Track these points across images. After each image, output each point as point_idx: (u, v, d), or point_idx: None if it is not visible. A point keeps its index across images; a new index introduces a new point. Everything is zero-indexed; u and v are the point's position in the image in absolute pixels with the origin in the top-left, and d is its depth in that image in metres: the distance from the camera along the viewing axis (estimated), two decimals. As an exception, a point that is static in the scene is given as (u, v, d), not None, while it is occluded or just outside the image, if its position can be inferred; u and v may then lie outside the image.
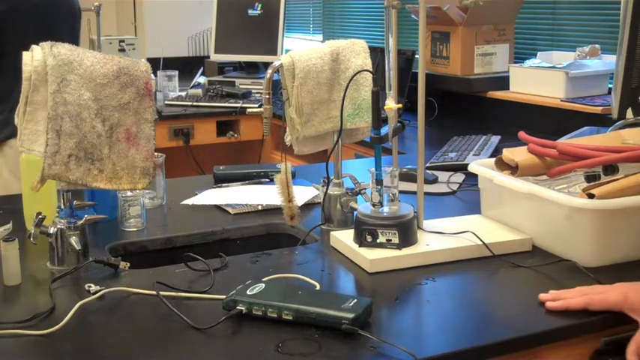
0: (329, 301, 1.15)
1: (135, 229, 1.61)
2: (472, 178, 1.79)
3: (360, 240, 1.41)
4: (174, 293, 1.25)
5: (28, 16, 2.66)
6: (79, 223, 1.38)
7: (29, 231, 1.36)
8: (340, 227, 1.57)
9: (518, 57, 3.09)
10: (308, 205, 1.76)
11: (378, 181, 1.41)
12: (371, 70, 1.57)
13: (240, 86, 3.94)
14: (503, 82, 2.94)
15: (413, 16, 3.26)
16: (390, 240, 1.39)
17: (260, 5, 4.04)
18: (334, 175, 1.61)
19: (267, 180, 1.94)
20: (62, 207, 1.38)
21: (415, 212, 1.45)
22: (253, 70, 4.18)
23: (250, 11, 4.02)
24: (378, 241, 1.39)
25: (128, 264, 1.37)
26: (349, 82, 1.54)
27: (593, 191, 1.36)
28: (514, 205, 1.49)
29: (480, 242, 1.41)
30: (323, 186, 1.60)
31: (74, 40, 2.86)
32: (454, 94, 3.17)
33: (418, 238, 1.43)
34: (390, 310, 1.22)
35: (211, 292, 1.26)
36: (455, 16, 2.99)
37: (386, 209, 1.42)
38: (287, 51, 3.80)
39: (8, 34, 2.64)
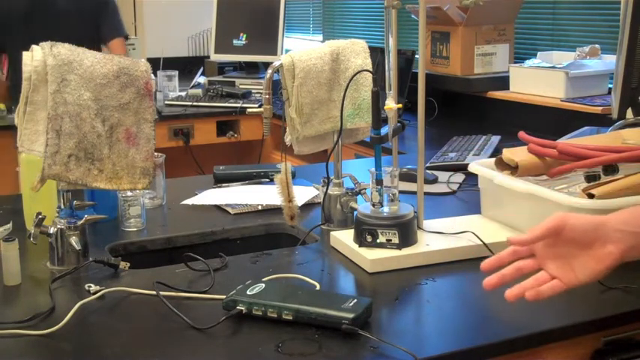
0: (329, 301, 1.15)
1: (135, 229, 1.61)
2: (472, 178, 1.79)
3: (360, 240, 1.41)
4: (174, 293, 1.25)
5: (20, 17, 2.67)
6: (79, 223, 1.38)
7: (29, 231, 1.36)
8: (340, 227, 1.57)
9: (518, 57, 3.09)
10: (308, 205, 1.76)
11: (378, 181, 1.41)
12: (371, 70, 1.57)
13: (240, 86, 3.94)
14: (503, 82, 2.94)
15: (413, 16, 3.26)
16: (390, 240, 1.39)
17: (245, 35, 4.06)
18: (334, 175, 1.61)
19: (267, 180, 1.94)
20: (62, 207, 1.38)
21: (415, 212, 1.45)
22: (253, 70, 4.18)
23: (235, 41, 4.05)
24: (378, 241, 1.39)
25: (128, 264, 1.37)
26: (349, 82, 1.54)
27: (593, 191, 1.36)
28: (514, 205, 1.49)
29: (480, 242, 1.41)
30: (323, 186, 1.60)
31: (86, 34, 2.85)
32: (454, 94, 3.17)
33: (418, 238, 1.43)
34: (390, 310, 1.22)
35: (211, 292, 1.26)
36: (455, 16, 2.99)
37: (386, 209, 1.42)
38: (287, 51, 3.80)
39: (3, 30, 2.66)
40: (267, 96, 1.53)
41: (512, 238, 1.04)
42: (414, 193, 1.51)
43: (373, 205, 1.42)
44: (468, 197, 1.85)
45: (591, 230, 1.02)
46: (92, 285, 1.26)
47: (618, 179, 1.39)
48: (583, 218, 1.04)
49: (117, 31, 3.04)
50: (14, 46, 2.73)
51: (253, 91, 3.87)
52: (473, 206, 1.68)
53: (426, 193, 1.52)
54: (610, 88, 2.50)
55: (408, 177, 1.83)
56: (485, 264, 1.05)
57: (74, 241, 1.36)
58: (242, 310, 1.15)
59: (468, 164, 1.68)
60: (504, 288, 1.32)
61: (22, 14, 2.75)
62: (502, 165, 1.53)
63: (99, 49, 2.94)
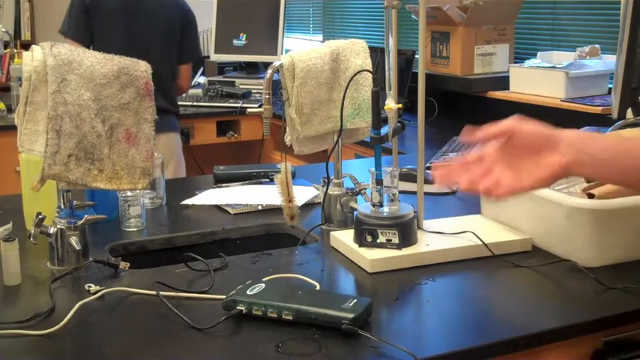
0: (329, 301, 1.15)
1: (135, 229, 1.61)
2: (472, 178, 1.78)
3: (360, 240, 1.41)
4: (174, 293, 1.25)
5: (114, 11, 2.78)
6: (79, 223, 1.38)
7: (29, 231, 1.36)
8: (340, 227, 1.57)
9: (518, 57, 3.09)
10: (308, 205, 1.76)
11: (378, 181, 1.41)
12: (371, 70, 1.57)
13: (240, 86, 3.94)
14: (503, 82, 2.93)
15: (413, 16, 3.26)
16: (390, 240, 1.39)
17: (245, 35, 4.06)
18: (334, 175, 1.61)
19: (267, 180, 1.94)
20: (62, 207, 1.38)
21: (415, 212, 1.45)
22: (253, 70, 4.18)
23: (235, 41, 4.06)
24: (378, 241, 1.39)
25: (128, 264, 1.37)
26: (349, 82, 1.54)
27: (593, 191, 1.36)
28: (514, 205, 1.49)
29: (480, 242, 1.41)
30: (323, 186, 1.60)
31: (170, 41, 2.98)
32: (454, 94, 3.17)
33: (418, 238, 1.43)
34: (390, 310, 1.22)
35: (211, 292, 1.26)
36: (455, 16, 2.99)
37: (386, 209, 1.42)
38: (287, 51, 3.80)
39: (97, 22, 2.77)
40: (267, 96, 1.53)
41: (464, 136, 1.08)
42: (414, 193, 1.51)
43: (373, 205, 1.42)
44: (468, 197, 1.85)
45: (542, 139, 1.06)
46: (92, 285, 1.26)
47: (618, 179, 1.39)
48: (535, 127, 1.08)
49: (190, 56, 3.14)
50: (101, 39, 2.84)
51: (253, 91, 3.87)
52: (473, 206, 1.68)
53: (426, 193, 1.52)
54: (610, 88, 2.50)
55: (408, 177, 1.83)
56: (436, 166, 1.11)
57: (74, 241, 1.36)
58: (242, 310, 1.15)
59: (468, 164, 1.68)
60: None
61: (116, 9, 2.85)
62: (502, 165, 1.53)
63: (173, 61, 3.03)
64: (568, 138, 1.06)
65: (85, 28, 2.86)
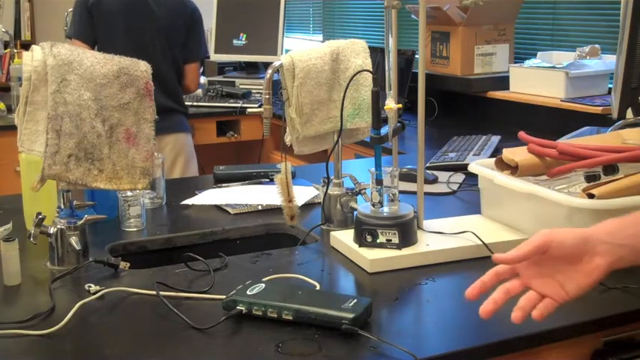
0: (329, 301, 1.15)
1: (135, 229, 1.61)
2: (472, 178, 1.79)
3: (360, 240, 1.41)
4: (174, 293, 1.25)
5: (117, 13, 2.81)
6: (79, 223, 1.38)
7: (29, 231, 1.36)
8: (340, 227, 1.57)
9: (518, 57, 3.09)
10: (308, 205, 1.76)
11: (378, 181, 1.41)
12: (371, 70, 1.57)
13: (240, 86, 3.94)
14: (503, 82, 2.94)
15: (413, 16, 3.26)
16: (390, 240, 1.39)
17: (245, 35, 4.06)
18: (334, 175, 1.61)
19: (267, 180, 1.94)
20: (62, 207, 1.38)
21: (415, 212, 1.45)
22: (253, 70, 4.18)
23: (235, 41, 4.07)
24: (378, 241, 1.39)
25: (128, 264, 1.37)
26: (349, 82, 1.54)
27: (593, 191, 1.36)
28: (514, 205, 1.49)
29: (480, 242, 1.41)
30: (323, 186, 1.60)
31: (175, 42, 2.99)
32: (454, 94, 3.17)
33: (418, 238, 1.43)
34: (390, 310, 1.22)
35: (211, 292, 1.26)
36: (455, 16, 2.99)
37: (386, 209, 1.42)
38: (287, 51, 3.80)
39: (99, 22, 2.79)
40: (267, 96, 1.53)
41: (497, 255, 1.01)
42: (414, 193, 1.51)
43: (373, 205, 1.42)
44: (468, 197, 1.85)
45: (579, 245, 1.00)
46: (92, 285, 1.26)
47: (618, 179, 1.39)
48: (569, 233, 1.02)
49: (196, 55, 3.15)
50: (104, 39, 2.85)
51: (253, 91, 3.87)
52: (473, 206, 1.68)
53: (426, 193, 1.52)
54: (610, 88, 2.50)
55: (408, 177, 1.83)
56: (470, 292, 1.01)
57: (74, 241, 1.36)
58: (242, 310, 1.15)
59: (468, 164, 1.68)
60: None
61: (117, 9, 2.88)
62: (502, 165, 1.53)
63: (177, 61, 3.03)
64: (600, 235, 1.01)
65: (89, 28, 2.87)
